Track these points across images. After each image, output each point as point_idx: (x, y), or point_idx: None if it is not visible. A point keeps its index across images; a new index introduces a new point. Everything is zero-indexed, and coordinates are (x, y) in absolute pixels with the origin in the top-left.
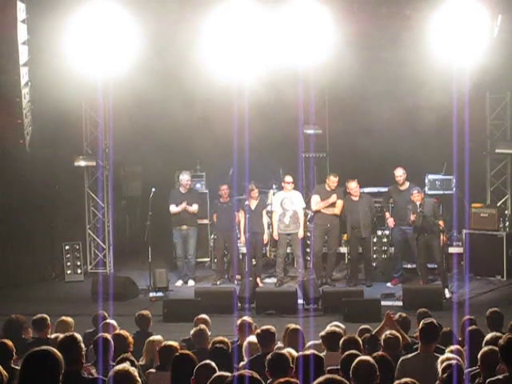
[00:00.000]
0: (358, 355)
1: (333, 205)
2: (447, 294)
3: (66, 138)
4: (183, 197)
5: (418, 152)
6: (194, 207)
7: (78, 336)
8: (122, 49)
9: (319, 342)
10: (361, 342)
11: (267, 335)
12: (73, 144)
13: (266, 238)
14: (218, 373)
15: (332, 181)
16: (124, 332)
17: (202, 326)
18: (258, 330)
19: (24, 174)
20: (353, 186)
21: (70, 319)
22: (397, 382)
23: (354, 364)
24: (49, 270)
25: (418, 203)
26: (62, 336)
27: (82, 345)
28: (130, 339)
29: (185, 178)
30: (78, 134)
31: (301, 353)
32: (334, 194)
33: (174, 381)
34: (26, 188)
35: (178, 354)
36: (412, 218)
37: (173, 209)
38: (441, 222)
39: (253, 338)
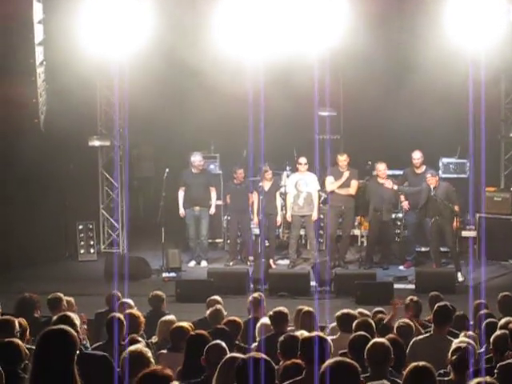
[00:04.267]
0: (366, 337)
1: (347, 185)
2: (460, 278)
3: (80, 118)
4: (195, 177)
5: (433, 135)
6: (213, 192)
7: (73, 316)
8: (136, 29)
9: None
10: (374, 325)
11: (280, 316)
12: (87, 124)
13: (279, 219)
14: (230, 354)
15: (339, 159)
16: (136, 311)
17: (219, 306)
18: (271, 312)
19: (38, 154)
20: (381, 168)
21: (71, 299)
22: (414, 364)
23: (369, 346)
24: (62, 249)
25: (432, 186)
26: (56, 316)
27: (77, 322)
28: (142, 319)
29: (197, 158)
30: (93, 113)
31: (306, 334)
32: (346, 172)
33: (187, 360)
34: (40, 167)
35: (193, 333)
36: (405, 206)
37: (180, 194)
38: (456, 207)
39: (266, 320)
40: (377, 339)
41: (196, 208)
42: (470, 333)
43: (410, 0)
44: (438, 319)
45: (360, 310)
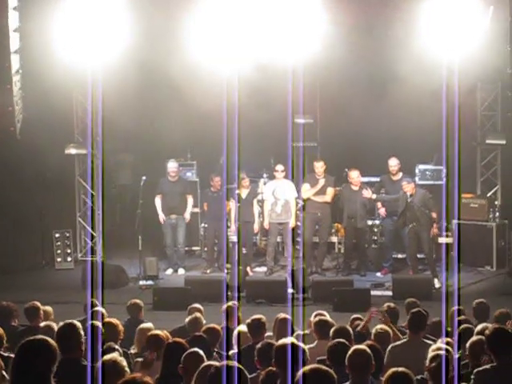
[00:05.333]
0: (345, 344)
1: (323, 192)
2: (437, 284)
3: (56, 126)
4: (172, 186)
5: (409, 142)
6: (189, 200)
7: (78, 324)
8: (111, 37)
9: (306, 332)
10: (351, 331)
11: (258, 325)
12: (63, 132)
13: (256, 227)
14: (207, 362)
15: (316, 166)
16: (114, 320)
17: (198, 315)
18: (249, 320)
19: (15, 162)
20: (354, 175)
21: (49, 308)
22: (392, 369)
23: (350, 353)
24: (39, 257)
25: (408, 194)
26: (61, 324)
27: (82, 332)
28: (121, 327)
29: (172, 166)
30: (69, 121)
31: (280, 342)
32: (322, 180)
33: (164, 368)
34: (16, 175)
35: (171, 341)
36: (382, 213)
37: (157, 201)
38: (433, 214)
39: (243, 328)
40: (358, 346)
41: (172, 216)
42: (447, 339)
43: (386, 9)
44: (412, 326)
45: (319, 311)
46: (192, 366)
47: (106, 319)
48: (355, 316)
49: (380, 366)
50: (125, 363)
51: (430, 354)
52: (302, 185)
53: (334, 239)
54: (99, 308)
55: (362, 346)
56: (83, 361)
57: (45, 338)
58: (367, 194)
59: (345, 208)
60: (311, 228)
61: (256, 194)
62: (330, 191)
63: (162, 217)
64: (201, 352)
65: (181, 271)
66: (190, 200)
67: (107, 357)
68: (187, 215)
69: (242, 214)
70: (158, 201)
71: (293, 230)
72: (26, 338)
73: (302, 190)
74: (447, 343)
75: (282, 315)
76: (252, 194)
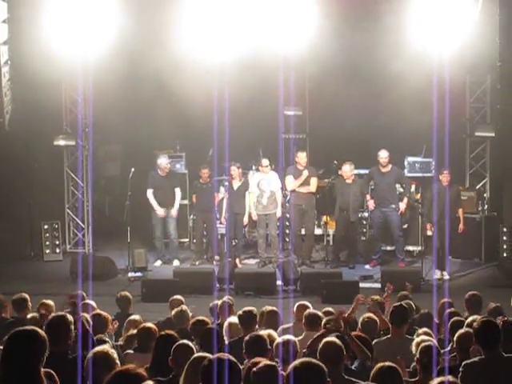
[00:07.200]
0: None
1: (307, 183)
2: (445, 276)
3: (45, 117)
4: (163, 180)
5: (398, 134)
6: (177, 194)
7: (69, 317)
8: (100, 28)
9: (290, 325)
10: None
11: (249, 317)
12: (52, 123)
13: (245, 219)
14: (197, 354)
15: (299, 157)
16: (104, 313)
17: (184, 307)
18: (240, 312)
19: (3, 153)
20: (345, 169)
21: (51, 302)
22: (380, 364)
23: (320, 345)
24: (27, 249)
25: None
26: (52, 315)
27: (72, 326)
28: (110, 320)
29: (163, 161)
30: (58, 113)
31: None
32: (305, 170)
33: (154, 361)
34: (4, 167)
35: (163, 333)
36: (370, 206)
37: (149, 195)
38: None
39: (233, 319)
40: (329, 338)
41: (163, 209)
42: (424, 330)
43: (376, 2)
44: (394, 320)
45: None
46: (182, 357)
47: (96, 311)
48: (326, 309)
49: (370, 351)
50: (116, 355)
51: (417, 347)
52: (285, 177)
53: (322, 231)
54: (88, 300)
55: (333, 339)
56: (70, 354)
57: (34, 328)
58: (371, 205)
59: (337, 200)
60: (297, 219)
61: (248, 185)
62: (314, 181)
63: (159, 211)
64: (191, 344)
65: (175, 263)
66: (178, 194)
67: (98, 349)
68: (174, 211)
69: (232, 205)
70: (150, 195)
71: (281, 221)
72: (15, 329)
73: (287, 182)
74: (428, 335)
75: (269, 308)
76: (244, 186)
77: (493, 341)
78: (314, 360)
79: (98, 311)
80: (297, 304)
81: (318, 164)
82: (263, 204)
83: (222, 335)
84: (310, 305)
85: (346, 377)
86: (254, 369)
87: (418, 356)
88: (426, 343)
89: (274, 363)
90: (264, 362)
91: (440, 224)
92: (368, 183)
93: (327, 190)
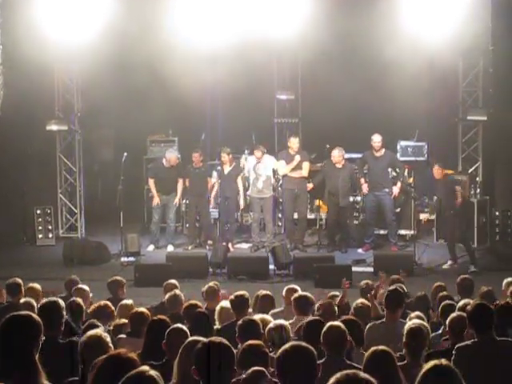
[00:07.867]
0: (321, 321)
1: (300, 167)
2: (472, 269)
3: (38, 102)
4: (168, 172)
5: (391, 118)
6: (180, 183)
7: (61, 302)
8: (93, 14)
9: (281, 309)
10: (336, 308)
11: (241, 301)
12: (45, 108)
13: (242, 203)
14: (191, 338)
15: (292, 142)
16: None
17: (177, 292)
18: (232, 296)
19: None
20: (334, 153)
21: (37, 286)
22: (373, 348)
23: (324, 329)
24: (20, 233)
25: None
26: (44, 300)
27: (64, 312)
28: (112, 308)
29: (173, 157)
30: (50, 98)
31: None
32: (297, 155)
33: (147, 346)
34: None
35: (155, 318)
36: (364, 189)
37: (151, 183)
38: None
39: (225, 303)
40: (332, 322)
41: (163, 197)
42: (416, 314)
43: None
44: (389, 304)
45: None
46: (176, 341)
47: (102, 303)
48: (333, 293)
49: (361, 338)
50: (109, 339)
51: (406, 328)
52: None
53: (316, 215)
54: (82, 285)
55: (337, 323)
56: (61, 338)
57: (28, 313)
58: (365, 189)
59: (326, 185)
60: (290, 204)
61: (239, 170)
62: (306, 166)
63: (157, 199)
64: (184, 328)
65: (170, 248)
66: (181, 183)
67: (91, 332)
68: (176, 199)
69: (223, 189)
70: (152, 183)
71: (274, 205)
72: (8, 314)
73: (279, 168)
74: (420, 318)
75: (263, 292)
76: (235, 170)
77: (486, 324)
78: (303, 343)
79: (105, 302)
80: (285, 288)
81: (310, 148)
82: (258, 188)
83: (210, 320)
84: (298, 288)
85: (348, 362)
86: (243, 375)
87: (405, 340)
88: (414, 326)
89: (262, 368)
90: (252, 343)
91: (445, 216)
92: (362, 167)
93: (320, 174)
